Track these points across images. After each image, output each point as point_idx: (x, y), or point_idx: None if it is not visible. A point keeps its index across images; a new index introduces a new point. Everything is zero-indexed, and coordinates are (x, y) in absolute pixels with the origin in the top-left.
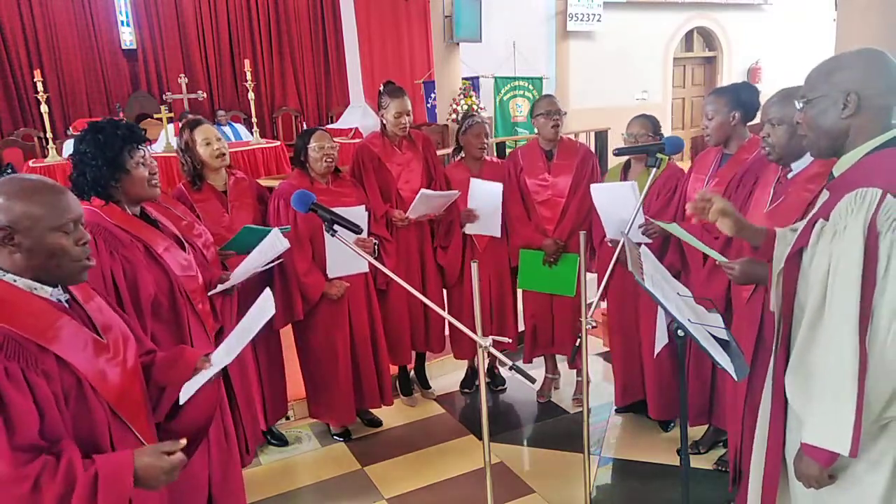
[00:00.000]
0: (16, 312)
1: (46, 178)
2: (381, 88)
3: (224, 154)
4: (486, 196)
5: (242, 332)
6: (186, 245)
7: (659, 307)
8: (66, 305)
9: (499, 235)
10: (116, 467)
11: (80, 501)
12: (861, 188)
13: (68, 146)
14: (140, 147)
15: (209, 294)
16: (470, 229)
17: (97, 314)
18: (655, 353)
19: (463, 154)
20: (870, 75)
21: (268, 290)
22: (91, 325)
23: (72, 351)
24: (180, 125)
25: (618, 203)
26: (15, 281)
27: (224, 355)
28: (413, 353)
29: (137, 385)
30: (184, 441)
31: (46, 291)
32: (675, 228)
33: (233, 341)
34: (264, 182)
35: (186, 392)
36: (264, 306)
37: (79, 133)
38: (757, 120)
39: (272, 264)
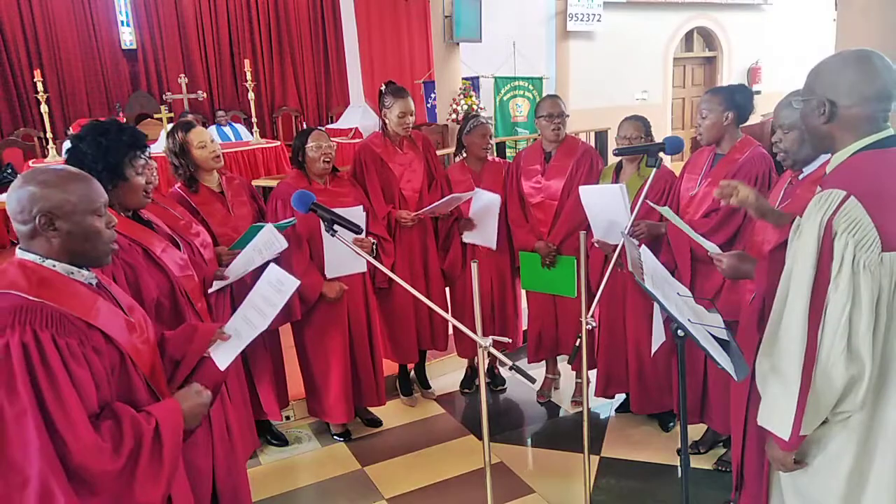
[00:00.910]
0: (62, 294)
1: (70, 166)
2: (384, 88)
3: (219, 156)
4: (484, 206)
5: (260, 304)
6: (182, 244)
7: (654, 305)
8: (97, 288)
9: (494, 247)
10: (170, 413)
11: (148, 450)
12: (828, 189)
13: (66, 147)
14: (141, 155)
15: (210, 292)
16: (467, 238)
17: (120, 295)
18: (653, 351)
19: (465, 154)
20: (847, 84)
21: (273, 265)
22: (118, 305)
23: (113, 328)
24: (170, 128)
25: (606, 205)
26: (54, 266)
27: (245, 326)
28: (418, 353)
29: (158, 360)
30: (200, 385)
31: (83, 275)
32: (667, 212)
33: (249, 312)
34: (264, 182)
35: (224, 359)
36: (278, 279)
37: (80, 130)
38: (751, 121)
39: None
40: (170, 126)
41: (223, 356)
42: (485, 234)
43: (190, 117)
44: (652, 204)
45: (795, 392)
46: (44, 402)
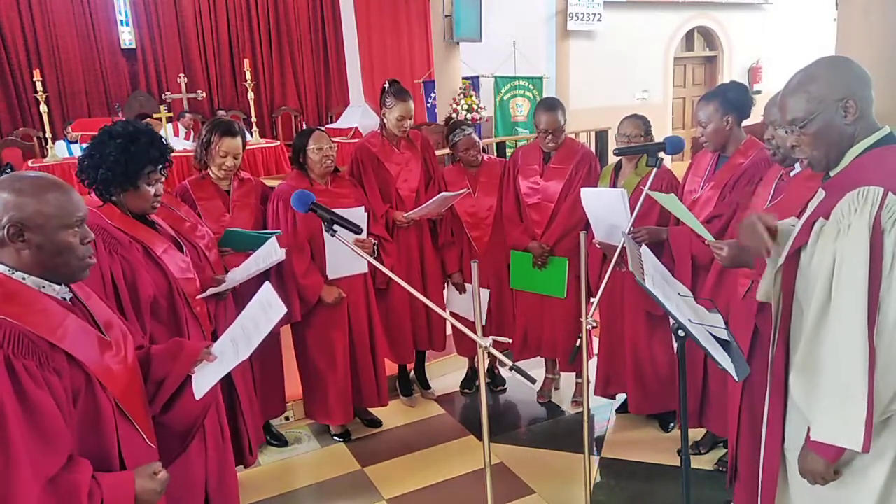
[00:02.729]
0: (27, 311)
1: (51, 175)
2: (387, 86)
3: (229, 169)
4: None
5: (249, 327)
6: (185, 247)
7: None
8: (70, 303)
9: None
10: (120, 493)
11: None
12: (863, 187)
13: (60, 147)
14: (161, 171)
15: (200, 297)
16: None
17: (98, 311)
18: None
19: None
20: (850, 77)
21: (268, 285)
22: (93, 322)
23: (80, 348)
24: (212, 122)
25: (607, 208)
26: (24, 279)
27: (231, 350)
28: (415, 353)
29: (137, 381)
30: (159, 465)
31: (54, 290)
32: (662, 198)
33: (237, 334)
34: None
35: (201, 387)
36: (269, 302)
37: (109, 127)
38: (752, 120)
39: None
40: (169, 126)
41: (202, 383)
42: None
43: (223, 118)
44: (651, 193)
45: (863, 399)
46: None
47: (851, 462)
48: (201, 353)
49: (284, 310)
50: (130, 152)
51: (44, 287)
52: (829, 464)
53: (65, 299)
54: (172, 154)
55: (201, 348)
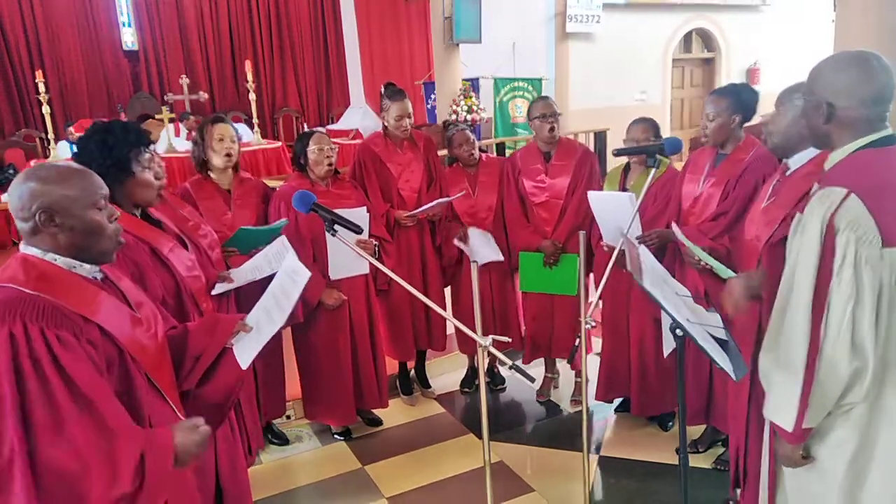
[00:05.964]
0: (59, 287)
1: (72, 163)
2: (382, 90)
3: (230, 155)
4: (486, 248)
5: (279, 295)
6: (189, 245)
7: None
8: (102, 283)
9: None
10: (160, 448)
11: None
12: (829, 187)
13: (62, 147)
14: (145, 150)
15: (213, 294)
16: (466, 250)
17: (129, 292)
18: (665, 354)
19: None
20: (845, 86)
21: (292, 254)
22: (125, 300)
23: (112, 322)
24: (200, 122)
25: (616, 211)
26: (55, 259)
27: (265, 319)
28: (415, 351)
29: (167, 359)
30: (201, 420)
31: (85, 269)
32: (687, 242)
33: (269, 304)
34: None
35: (245, 358)
36: (294, 270)
37: (86, 131)
38: (754, 121)
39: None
40: (170, 126)
41: (244, 354)
42: (480, 254)
43: (216, 114)
44: (678, 234)
45: (799, 384)
46: (26, 393)
47: (814, 448)
48: (237, 324)
49: (309, 273)
50: (109, 143)
51: (75, 267)
52: (793, 447)
53: (96, 278)
54: (174, 155)
55: (236, 320)
